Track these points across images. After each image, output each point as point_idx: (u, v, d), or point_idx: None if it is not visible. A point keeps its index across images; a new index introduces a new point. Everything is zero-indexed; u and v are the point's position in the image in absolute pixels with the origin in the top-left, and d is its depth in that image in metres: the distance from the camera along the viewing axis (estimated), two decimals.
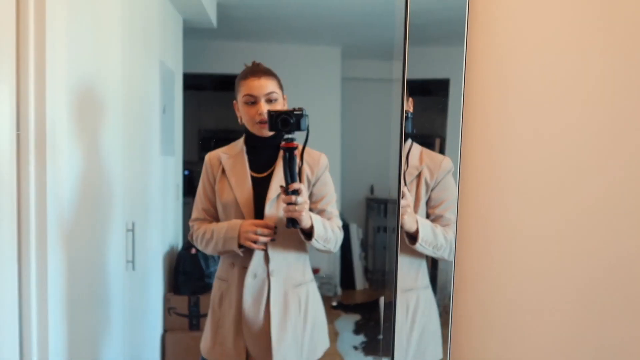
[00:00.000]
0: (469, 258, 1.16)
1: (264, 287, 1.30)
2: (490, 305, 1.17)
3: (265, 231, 1.26)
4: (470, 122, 1.13)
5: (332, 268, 1.78)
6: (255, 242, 1.26)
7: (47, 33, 1.07)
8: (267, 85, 1.27)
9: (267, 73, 1.29)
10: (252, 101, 1.28)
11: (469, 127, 1.13)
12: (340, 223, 1.32)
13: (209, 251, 1.34)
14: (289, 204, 1.21)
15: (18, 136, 1.07)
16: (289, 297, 1.31)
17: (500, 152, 1.13)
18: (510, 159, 1.13)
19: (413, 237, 1.21)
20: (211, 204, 1.35)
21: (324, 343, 1.38)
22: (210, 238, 1.31)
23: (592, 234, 1.14)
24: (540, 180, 1.13)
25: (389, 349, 1.24)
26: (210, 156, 1.35)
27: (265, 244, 1.29)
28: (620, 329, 1.16)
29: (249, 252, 1.30)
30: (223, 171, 1.32)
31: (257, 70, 1.29)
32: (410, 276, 1.27)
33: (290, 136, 1.23)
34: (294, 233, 1.28)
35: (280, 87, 1.30)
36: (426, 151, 1.24)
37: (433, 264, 1.28)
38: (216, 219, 1.35)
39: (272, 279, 1.30)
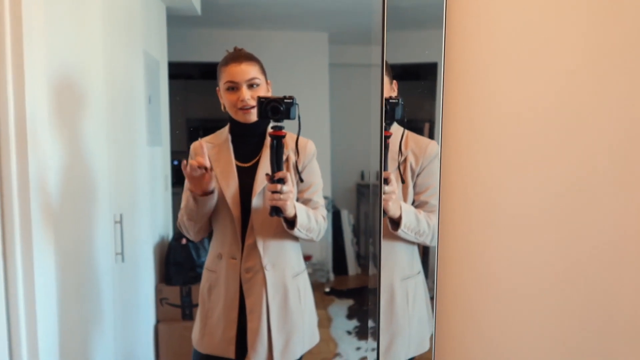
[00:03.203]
0: (452, 243, 1.16)
1: (260, 280, 1.29)
2: (473, 290, 1.18)
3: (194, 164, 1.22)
4: (451, 106, 1.12)
5: (325, 254, 1.79)
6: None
7: (24, 23, 1.04)
8: (248, 71, 1.25)
9: (249, 58, 1.26)
10: (234, 87, 1.26)
11: (450, 111, 1.12)
12: (325, 213, 1.31)
13: (191, 228, 1.30)
14: (274, 192, 1.19)
15: None
16: (289, 288, 1.31)
17: (483, 136, 1.13)
18: (493, 143, 1.13)
19: (396, 222, 1.21)
20: None
21: (316, 329, 1.38)
22: (185, 209, 1.29)
23: (576, 218, 1.15)
24: (524, 164, 1.13)
25: (380, 333, 1.24)
26: (194, 146, 1.32)
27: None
28: (603, 306, 1.18)
29: (235, 243, 1.29)
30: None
31: (239, 56, 1.27)
32: (408, 263, 1.28)
33: (278, 124, 1.22)
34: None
35: (263, 72, 1.28)
36: (412, 135, 1.23)
37: (424, 250, 1.28)
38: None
39: (267, 272, 1.29)
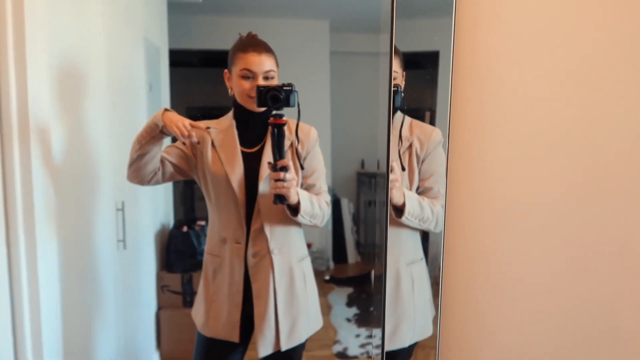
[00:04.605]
0: (458, 231, 1.17)
1: (267, 264, 1.30)
2: (478, 278, 1.19)
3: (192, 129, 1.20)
4: (459, 94, 1.12)
5: (325, 242, 1.80)
6: (182, 135, 1.19)
7: (25, 11, 1.03)
8: (267, 63, 1.24)
9: (268, 50, 1.25)
10: (249, 76, 1.25)
11: (458, 99, 1.13)
12: (328, 198, 1.32)
13: (132, 155, 1.24)
14: (277, 180, 1.20)
15: None
16: (295, 272, 1.32)
17: (491, 125, 1.13)
18: (501, 132, 1.13)
19: (400, 210, 1.22)
20: (174, 160, 1.29)
21: (319, 313, 1.40)
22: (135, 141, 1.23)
23: (584, 209, 1.15)
24: (532, 153, 1.14)
25: (381, 321, 1.26)
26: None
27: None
28: (612, 289, 1.19)
29: (240, 228, 1.30)
30: (212, 145, 1.30)
31: (257, 45, 1.25)
32: (412, 249, 1.29)
33: (279, 112, 1.22)
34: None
35: (277, 65, 1.28)
36: (416, 122, 1.23)
37: (424, 236, 1.29)
38: (165, 172, 1.30)
39: (274, 256, 1.30)
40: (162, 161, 1.28)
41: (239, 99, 1.27)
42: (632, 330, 1.19)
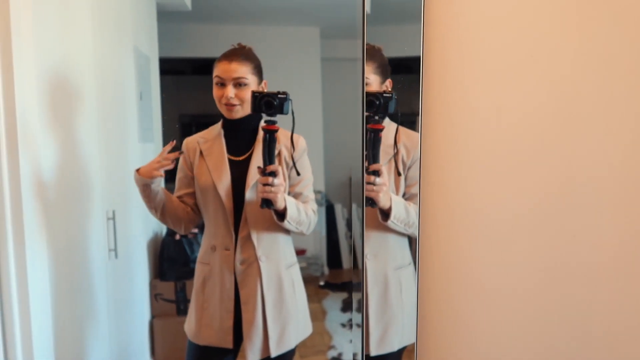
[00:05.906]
0: (433, 234, 1.18)
1: (255, 271, 1.31)
2: (455, 282, 1.19)
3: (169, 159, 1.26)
4: (430, 101, 1.13)
5: (319, 248, 1.79)
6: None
7: (11, 19, 1.04)
8: (236, 70, 1.26)
9: (243, 57, 1.27)
10: (221, 83, 1.27)
11: (429, 106, 1.14)
12: (315, 207, 1.33)
13: (159, 217, 1.33)
14: (265, 185, 1.21)
15: None
16: (283, 278, 1.33)
17: (462, 128, 1.14)
18: (472, 139, 1.14)
19: (386, 213, 1.23)
20: (188, 190, 1.34)
21: (309, 319, 1.40)
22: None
23: (553, 208, 1.16)
24: (502, 156, 1.15)
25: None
26: (187, 141, 1.34)
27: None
28: (582, 296, 1.19)
29: (228, 235, 1.30)
30: (201, 154, 1.31)
31: (233, 54, 1.28)
32: (400, 254, 1.30)
33: (271, 118, 1.23)
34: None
35: (256, 73, 1.28)
36: (404, 130, 1.24)
37: (413, 241, 1.30)
38: (194, 205, 1.35)
39: (261, 263, 1.30)
40: (183, 201, 1.33)
41: (217, 105, 1.29)
42: (604, 332, 1.20)
